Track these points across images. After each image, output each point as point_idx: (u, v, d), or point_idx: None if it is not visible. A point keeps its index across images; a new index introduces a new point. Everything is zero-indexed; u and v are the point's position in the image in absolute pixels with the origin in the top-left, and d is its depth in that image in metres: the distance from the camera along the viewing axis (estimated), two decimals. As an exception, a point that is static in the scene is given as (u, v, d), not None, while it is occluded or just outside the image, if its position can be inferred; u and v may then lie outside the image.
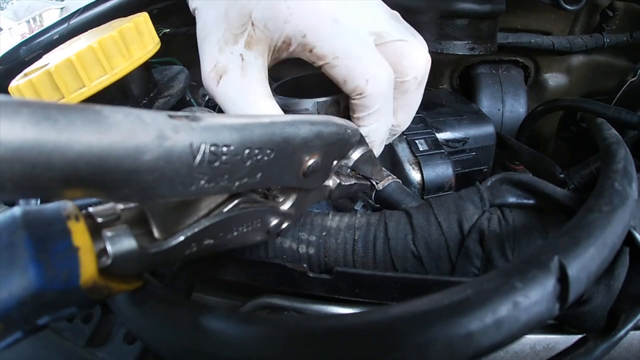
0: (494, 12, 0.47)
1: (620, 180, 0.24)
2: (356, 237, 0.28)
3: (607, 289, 0.25)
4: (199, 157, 0.17)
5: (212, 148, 0.17)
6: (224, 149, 0.18)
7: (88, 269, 0.17)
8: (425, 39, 0.47)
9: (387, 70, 0.30)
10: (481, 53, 0.48)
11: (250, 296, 0.31)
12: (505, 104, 0.56)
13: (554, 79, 0.56)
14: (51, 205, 0.18)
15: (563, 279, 0.16)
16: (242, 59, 0.31)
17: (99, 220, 0.18)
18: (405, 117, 0.34)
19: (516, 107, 0.55)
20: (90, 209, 0.19)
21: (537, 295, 0.15)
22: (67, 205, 0.18)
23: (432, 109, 0.48)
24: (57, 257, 0.16)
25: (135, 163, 0.15)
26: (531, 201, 0.27)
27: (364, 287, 0.27)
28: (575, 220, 0.20)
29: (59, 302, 0.16)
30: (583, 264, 0.16)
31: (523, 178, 0.28)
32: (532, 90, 0.57)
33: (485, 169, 0.44)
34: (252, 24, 0.30)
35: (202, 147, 0.17)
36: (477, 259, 0.26)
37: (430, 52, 0.46)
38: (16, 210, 0.17)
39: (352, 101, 0.31)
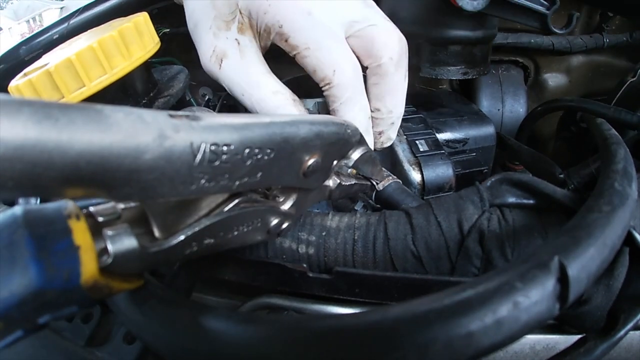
0: (486, 38, 0.47)
1: (620, 181, 0.24)
2: (356, 237, 0.28)
3: (606, 289, 0.25)
4: (199, 157, 0.17)
5: (213, 147, 0.17)
6: (224, 148, 0.18)
7: (89, 267, 0.17)
8: (419, 64, 0.47)
9: (353, 62, 0.32)
10: (474, 77, 0.48)
11: (250, 296, 0.31)
12: (505, 104, 0.56)
13: (554, 79, 0.56)
14: (52, 205, 0.18)
15: (563, 279, 0.16)
16: (238, 42, 0.33)
17: (100, 219, 0.18)
18: (394, 101, 0.34)
19: (516, 107, 0.55)
20: (91, 208, 0.19)
21: (537, 295, 0.15)
22: (67, 205, 0.18)
23: (432, 110, 0.47)
24: (58, 256, 0.16)
25: (136, 162, 0.15)
26: (531, 201, 0.27)
27: (363, 287, 0.27)
28: (575, 220, 0.20)
29: (60, 301, 0.16)
30: (583, 264, 0.16)
31: (523, 178, 0.28)
32: (532, 90, 0.57)
33: (486, 170, 0.44)
34: (240, 12, 0.33)
35: (203, 146, 0.17)
36: (477, 259, 0.26)
37: (424, 76, 0.47)
38: (17, 210, 0.17)
39: (324, 92, 0.32)
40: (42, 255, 0.16)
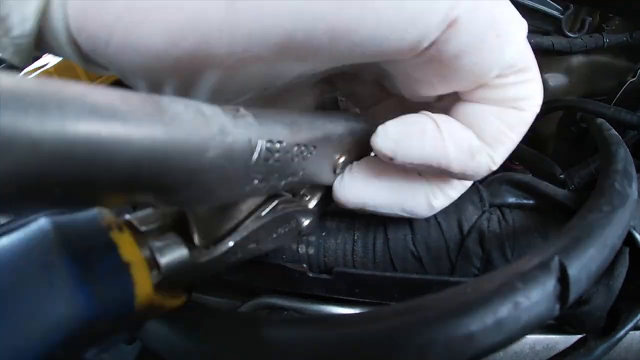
0: None
1: (620, 181, 0.24)
2: (356, 237, 0.28)
3: (607, 289, 0.25)
4: (255, 155, 0.16)
5: (268, 144, 0.16)
6: (277, 145, 0.17)
7: (143, 286, 0.14)
8: None
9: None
10: None
11: (250, 296, 0.31)
12: (505, 104, 0.56)
13: (554, 79, 0.56)
14: (84, 214, 0.15)
15: (563, 279, 0.16)
16: None
17: (143, 228, 0.16)
18: None
19: (516, 107, 0.55)
20: (128, 216, 0.16)
21: (537, 296, 0.15)
22: (103, 214, 0.15)
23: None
24: (107, 278, 0.13)
25: (199, 160, 0.13)
26: (531, 201, 0.27)
27: (363, 287, 0.27)
28: (575, 220, 0.20)
29: (111, 330, 0.14)
30: (583, 264, 0.16)
31: (523, 178, 0.28)
32: (531, 91, 0.57)
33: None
34: None
35: (259, 143, 0.16)
36: (477, 259, 0.26)
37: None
38: (44, 223, 0.13)
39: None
40: (88, 279, 0.13)
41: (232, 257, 0.19)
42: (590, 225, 0.19)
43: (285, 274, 0.28)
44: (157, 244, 0.15)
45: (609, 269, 0.25)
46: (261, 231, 0.20)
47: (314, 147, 0.20)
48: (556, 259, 0.16)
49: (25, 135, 0.09)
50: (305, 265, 0.28)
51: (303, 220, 0.24)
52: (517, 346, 0.28)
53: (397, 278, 0.26)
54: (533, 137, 0.58)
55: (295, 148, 0.18)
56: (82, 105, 0.10)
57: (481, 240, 0.26)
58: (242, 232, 0.19)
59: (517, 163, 0.51)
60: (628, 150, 0.28)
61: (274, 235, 0.21)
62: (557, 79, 0.56)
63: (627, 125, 0.39)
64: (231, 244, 0.18)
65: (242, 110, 0.16)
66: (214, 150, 0.13)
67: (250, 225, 0.19)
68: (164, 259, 0.15)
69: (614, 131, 0.34)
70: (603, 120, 0.38)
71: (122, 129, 0.11)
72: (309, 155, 0.20)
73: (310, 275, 0.28)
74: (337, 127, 0.22)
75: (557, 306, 0.16)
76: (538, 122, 0.51)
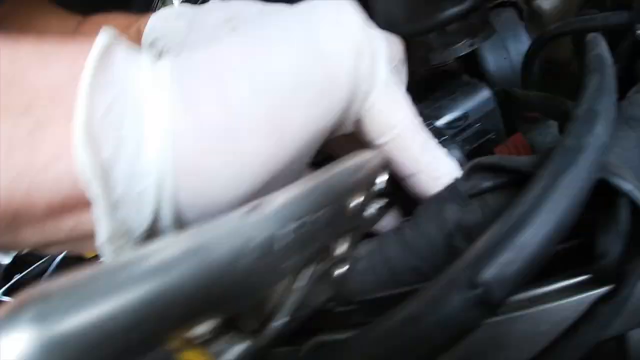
0: (476, 4, 0.45)
1: (577, 130, 0.23)
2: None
3: (617, 234, 0.24)
4: (277, 244, 0.16)
5: (293, 226, 0.17)
6: (298, 223, 0.17)
7: None
8: (429, 57, 0.47)
9: None
10: (482, 42, 0.47)
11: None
12: (510, 50, 0.52)
13: (547, 2, 0.51)
14: None
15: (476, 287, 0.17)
16: None
17: (197, 340, 0.16)
18: None
19: (521, 48, 0.51)
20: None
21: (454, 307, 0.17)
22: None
23: (425, 99, 0.48)
24: None
25: (232, 276, 0.14)
26: (504, 180, 0.27)
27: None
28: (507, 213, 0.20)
29: None
30: (499, 269, 0.17)
31: (489, 160, 0.28)
32: (531, 23, 0.53)
33: (494, 136, 0.43)
34: None
35: (281, 231, 0.16)
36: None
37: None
38: None
39: None
40: None
41: (286, 329, 0.19)
42: (519, 216, 0.19)
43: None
44: (217, 348, 0.15)
45: (611, 216, 0.24)
46: (307, 295, 0.20)
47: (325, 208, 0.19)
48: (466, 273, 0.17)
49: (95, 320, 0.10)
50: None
51: (337, 269, 0.24)
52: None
53: (397, 294, 0.28)
54: (550, 65, 0.53)
55: (316, 216, 0.18)
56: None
57: (468, 236, 0.27)
58: (290, 305, 0.19)
59: (529, 112, 0.48)
60: (609, 72, 0.26)
61: (316, 294, 0.22)
62: (550, 0, 0.51)
63: (618, 30, 0.35)
64: (287, 318, 0.18)
65: (260, 203, 0.17)
66: (245, 259, 0.14)
67: (291, 298, 0.19)
68: (228, 357, 0.16)
69: (598, 50, 0.31)
70: (596, 35, 0.34)
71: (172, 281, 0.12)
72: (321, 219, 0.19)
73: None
74: (347, 179, 0.21)
75: (479, 312, 0.17)
76: (550, 49, 0.47)
